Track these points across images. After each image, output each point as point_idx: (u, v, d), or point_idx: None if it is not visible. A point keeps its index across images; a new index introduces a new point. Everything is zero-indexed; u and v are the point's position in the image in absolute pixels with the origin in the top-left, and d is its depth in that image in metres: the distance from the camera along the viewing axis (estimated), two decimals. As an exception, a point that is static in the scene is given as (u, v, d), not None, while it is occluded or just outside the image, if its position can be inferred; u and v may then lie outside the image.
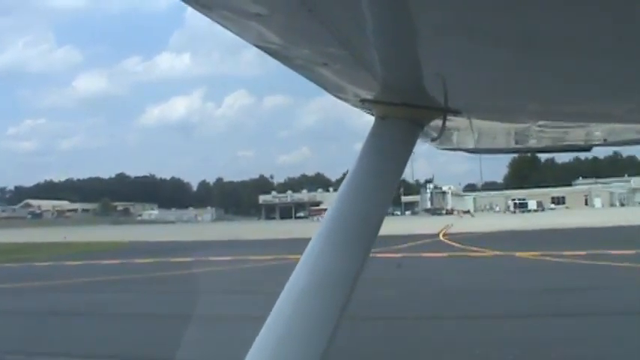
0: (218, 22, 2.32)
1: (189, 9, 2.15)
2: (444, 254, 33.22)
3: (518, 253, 30.67)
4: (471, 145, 6.09)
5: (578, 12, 1.91)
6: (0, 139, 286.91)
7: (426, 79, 2.94)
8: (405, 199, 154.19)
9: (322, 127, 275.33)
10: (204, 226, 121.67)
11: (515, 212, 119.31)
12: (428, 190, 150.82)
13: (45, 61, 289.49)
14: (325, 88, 3.54)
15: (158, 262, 34.62)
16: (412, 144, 3.28)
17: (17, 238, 71.36)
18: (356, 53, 2.62)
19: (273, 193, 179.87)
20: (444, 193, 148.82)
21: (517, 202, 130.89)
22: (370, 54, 2.58)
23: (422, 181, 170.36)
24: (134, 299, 21.38)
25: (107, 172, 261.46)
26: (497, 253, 32.39)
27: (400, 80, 3.16)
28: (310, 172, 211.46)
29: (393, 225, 74.04)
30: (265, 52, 2.72)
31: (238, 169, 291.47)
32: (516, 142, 5.82)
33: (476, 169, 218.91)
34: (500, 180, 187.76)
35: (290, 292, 2.91)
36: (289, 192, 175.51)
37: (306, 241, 3.00)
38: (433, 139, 4.41)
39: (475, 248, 35.29)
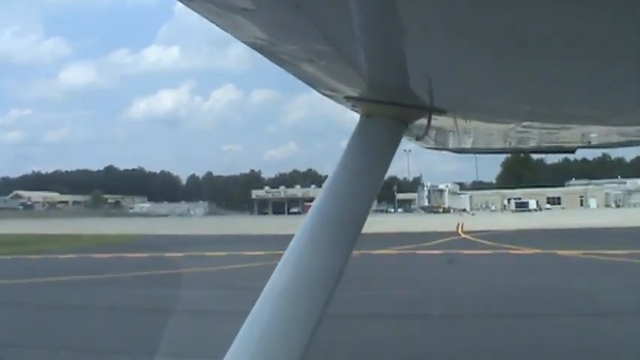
0: (205, 17, 2.34)
1: (179, 3, 2.15)
2: (487, 251, 33.02)
3: (559, 252, 30.50)
4: (455, 145, 6.18)
5: (564, 15, 1.92)
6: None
7: (412, 78, 2.97)
8: (399, 196, 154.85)
9: (310, 123, 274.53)
10: (200, 220, 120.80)
11: (515, 211, 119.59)
12: (425, 188, 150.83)
13: (33, 52, 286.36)
14: (311, 85, 3.58)
15: (193, 256, 34.05)
16: (397, 142, 3.33)
17: (20, 229, 70.11)
18: (342, 50, 2.64)
19: (266, 188, 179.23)
20: (441, 191, 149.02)
21: (517, 201, 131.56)
22: (356, 51, 2.58)
23: (410, 179, 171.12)
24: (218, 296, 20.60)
25: (95, 165, 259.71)
26: (537, 251, 32.16)
27: (386, 78, 3.18)
28: (302, 168, 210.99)
29: (403, 222, 74.18)
30: (251, 47, 2.74)
31: (226, 164, 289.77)
32: (501, 143, 5.90)
33: (463, 168, 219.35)
34: (487, 179, 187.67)
35: (272, 288, 2.95)
36: (282, 187, 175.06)
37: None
38: (418, 138, 4.48)
39: (509, 246, 35.10)
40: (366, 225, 3.21)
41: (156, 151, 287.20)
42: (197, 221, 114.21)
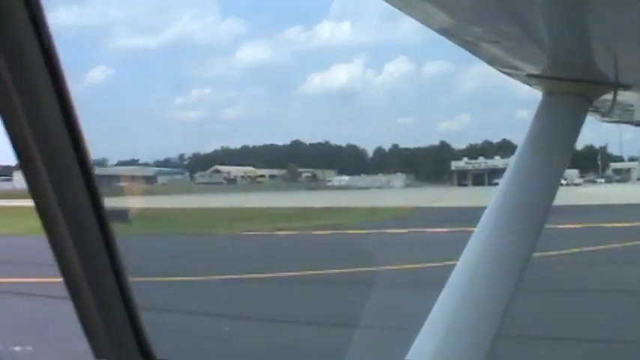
0: (390, 3, 2.32)
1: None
2: None
3: None
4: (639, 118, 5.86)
5: None
6: (170, 108, 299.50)
7: (597, 53, 2.87)
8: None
9: (483, 94, 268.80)
10: (416, 191, 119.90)
11: None
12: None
13: (210, 33, 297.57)
14: (491, 63, 3.51)
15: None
16: (582, 119, 3.32)
17: (252, 203, 70.15)
18: (527, 29, 2.61)
19: (465, 159, 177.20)
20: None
21: None
22: (540, 29, 2.55)
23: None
24: None
25: (280, 139, 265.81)
26: None
27: (570, 55, 3.10)
28: (496, 139, 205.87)
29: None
30: (435, 30, 2.69)
31: (404, 136, 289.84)
32: None
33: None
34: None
35: (462, 269, 2.96)
36: (481, 158, 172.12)
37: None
38: (604, 115, 4.47)
39: None
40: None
41: (334, 125, 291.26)
42: (415, 192, 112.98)
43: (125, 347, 2.70)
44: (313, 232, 37.21)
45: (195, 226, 42.77)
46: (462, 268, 2.96)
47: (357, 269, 21.74)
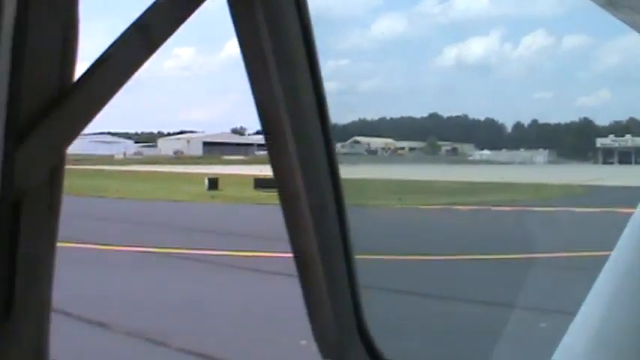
0: None
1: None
2: None
3: None
4: None
5: None
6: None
7: None
8: None
9: (625, 69, 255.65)
10: (563, 168, 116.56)
11: None
12: None
13: (347, 5, 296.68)
14: None
15: None
16: None
17: (413, 175, 64.40)
18: None
19: (611, 136, 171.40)
20: None
21: None
22: None
23: None
24: None
25: (417, 112, 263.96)
26: None
27: None
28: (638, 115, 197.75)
29: None
30: (597, 3, 2.48)
31: (545, 111, 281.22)
32: None
33: None
34: None
35: (616, 262, 2.62)
36: (628, 136, 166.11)
37: None
38: None
39: None
40: None
41: (471, 99, 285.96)
42: (563, 169, 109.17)
43: (352, 347, 2.49)
44: (493, 208, 35.16)
45: (360, 197, 37.80)
46: (616, 260, 2.64)
47: (590, 254, 17.43)
